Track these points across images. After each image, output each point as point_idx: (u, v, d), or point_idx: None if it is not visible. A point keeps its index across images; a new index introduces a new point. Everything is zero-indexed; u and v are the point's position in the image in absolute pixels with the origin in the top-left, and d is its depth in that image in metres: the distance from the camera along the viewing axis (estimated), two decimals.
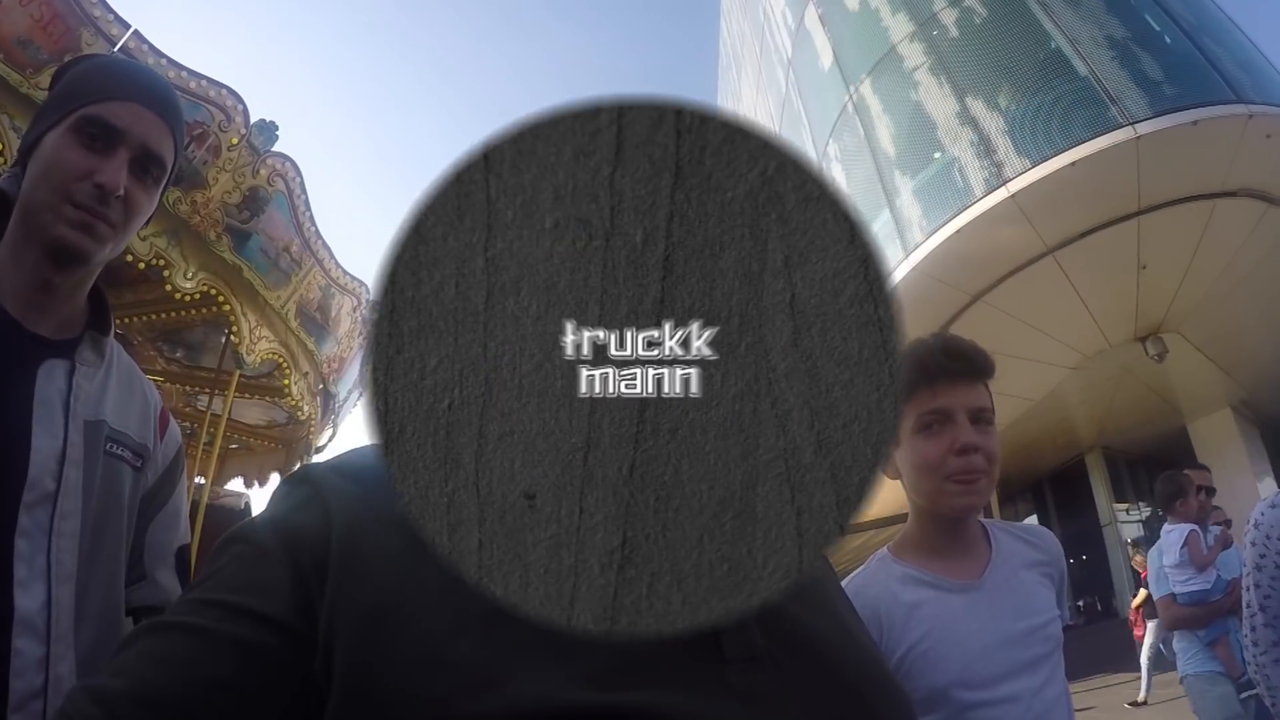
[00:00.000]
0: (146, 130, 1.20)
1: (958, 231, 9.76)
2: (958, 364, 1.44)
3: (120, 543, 1.22)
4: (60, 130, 1.15)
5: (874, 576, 1.48)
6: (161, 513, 1.35)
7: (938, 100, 11.08)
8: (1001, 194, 9.31)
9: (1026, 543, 1.55)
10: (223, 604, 0.52)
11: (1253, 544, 1.89)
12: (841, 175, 13.49)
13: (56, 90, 1.21)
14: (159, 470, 1.34)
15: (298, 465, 8.08)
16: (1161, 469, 16.56)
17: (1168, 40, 10.09)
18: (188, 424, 7.88)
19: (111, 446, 1.21)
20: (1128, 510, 15.47)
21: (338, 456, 0.64)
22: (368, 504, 0.56)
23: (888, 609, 1.40)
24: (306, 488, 0.59)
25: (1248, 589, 1.90)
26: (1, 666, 1.01)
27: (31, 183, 1.14)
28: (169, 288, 5.17)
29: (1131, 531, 15.26)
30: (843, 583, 1.35)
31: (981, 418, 1.43)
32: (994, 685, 1.32)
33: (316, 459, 8.51)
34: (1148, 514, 16.77)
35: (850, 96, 12.92)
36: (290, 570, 0.53)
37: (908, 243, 10.62)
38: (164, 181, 1.28)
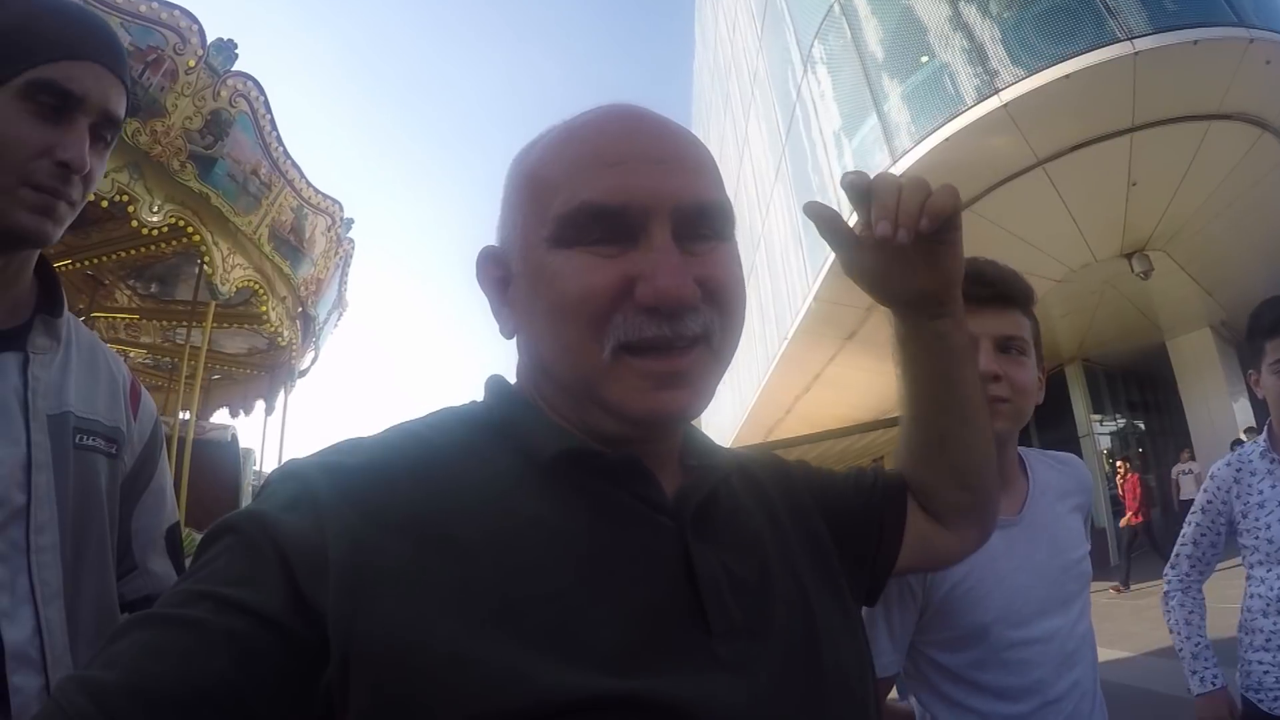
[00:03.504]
0: (106, 93, 1.05)
1: (947, 139, 9.49)
2: (984, 289, 1.38)
3: (105, 542, 1.14)
4: (7, 96, 0.98)
5: None
6: (146, 495, 1.26)
7: (929, 3, 10.65)
8: (993, 103, 9.03)
9: (1060, 472, 1.56)
10: (216, 596, 0.52)
11: (1204, 490, 2.25)
12: (827, 79, 13.11)
13: None
14: (136, 451, 1.24)
15: (280, 394, 8.03)
16: (1139, 383, 16.87)
17: None
18: (168, 359, 7.78)
19: (81, 438, 1.10)
20: (1101, 421, 15.77)
21: (326, 452, 0.62)
22: (364, 508, 0.56)
23: None
24: (294, 484, 0.58)
25: (1189, 524, 2.25)
26: (1, 707, 0.94)
27: None
28: (135, 223, 5.00)
29: (1105, 443, 15.63)
30: None
31: (1011, 346, 1.40)
32: (1031, 623, 1.34)
33: (300, 384, 8.50)
34: (1122, 424, 17.19)
35: None
36: (281, 568, 0.52)
37: (895, 149, 10.38)
38: (114, 140, 1.12)
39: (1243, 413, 13.44)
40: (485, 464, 0.63)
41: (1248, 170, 9.64)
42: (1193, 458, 13.26)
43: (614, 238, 0.62)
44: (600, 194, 0.62)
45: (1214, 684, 2.10)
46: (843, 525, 0.84)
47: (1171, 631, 2.22)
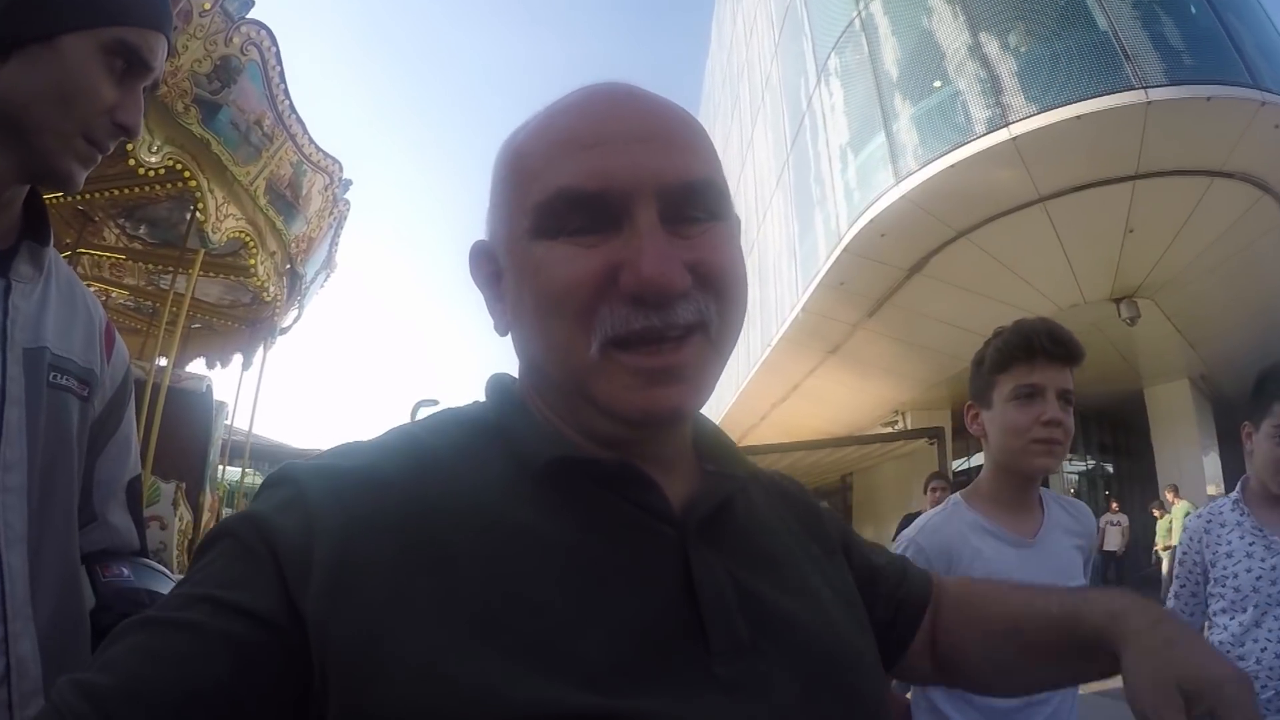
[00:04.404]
0: (161, 63, 1.07)
1: (952, 166, 9.58)
2: (1058, 348, 1.65)
3: (72, 489, 1.08)
4: (89, 46, 0.98)
5: (949, 519, 1.73)
6: (110, 444, 1.20)
7: (950, 30, 10.68)
8: (1003, 135, 9.11)
9: (1070, 514, 1.81)
10: (213, 599, 0.51)
11: (1180, 544, 2.34)
12: (840, 92, 13.14)
13: None
14: (106, 397, 1.18)
15: (259, 350, 7.95)
16: (1113, 426, 17.04)
17: (1193, 10, 9.78)
18: (149, 303, 7.66)
19: (55, 376, 1.04)
20: (1071, 460, 15.95)
21: (323, 456, 0.61)
22: (354, 510, 0.54)
23: (958, 548, 1.65)
24: (288, 488, 0.57)
25: (1174, 579, 2.34)
26: None
27: (38, 95, 0.95)
28: (132, 162, 4.90)
29: (1073, 481, 15.83)
30: (922, 519, 1.80)
31: (1066, 397, 1.64)
32: None
33: (281, 341, 8.41)
34: (1092, 466, 17.42)
35: (859, 12, 12.44)
36: (274, 569, 0.52)
37: (900, 170, 10.43)
38: None
39: (1212, 466, 13.65)
40: (478, 469, 0.61)
41: (1244, 230, 9.77)
42: (1120, 510, 13.76)
43: (596, 225, 0.59)
44: (577, 178, 0.59)
45: None
46: (861, 588, 0.79)
47: None
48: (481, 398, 0.73)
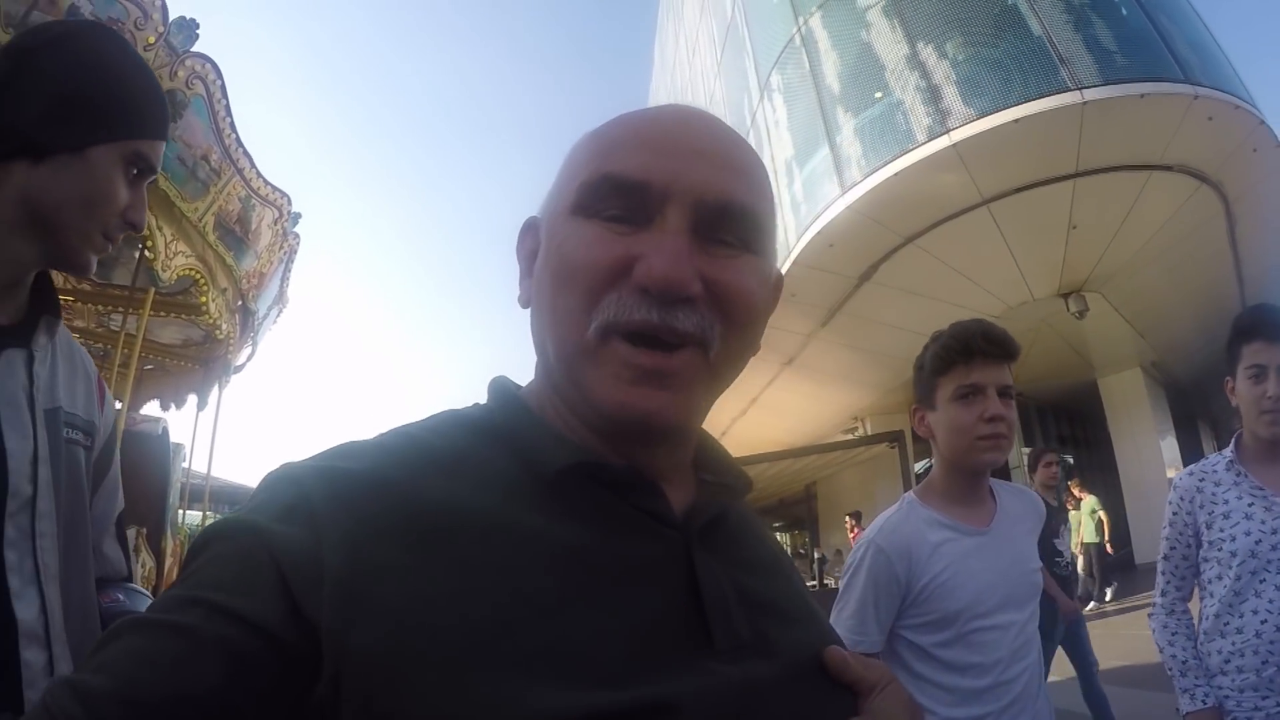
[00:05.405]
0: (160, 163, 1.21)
1: (896, 174, 9.82)
2: (994, 347, 1.73)
3: (87, 529, 1.22)
4: (113, 157, 1.12)
5: (906, 517, 1.80)
6: (104, 483, 1.33)
7: (888, 42, 10.96)
8: (943, 141, 9.36)
9: (1019, 500, 1.92)
10: (208, 603, 0.50)
11: (1169, 502, 2.25)
12: (783, 107, 13.35)
13: (94, 93, 1.11)
14: (101, 443, 1.31)
15: (214, 389, 7.78)
16: (1070, 418, 17.27)
17: (1124, 12, 10.13)
18: (101, 345, 7.48)
19: (68, 432, 1.18)
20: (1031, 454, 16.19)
21: (323, 457, 0.60)
22: (361, 514, 0.53)
23: (917, 545, 1.72)
24: (291, 491, 0.55)
25: (1162, 540, 2.27)
26: (13, 679, 1.01)
27: (67, 198, 1.09)
28: None
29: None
30: (880, 520, 1.85)
31: (1006, 393, 1.73)
32: (993, 614, 1.66)
33: (235, 380, 8.25)
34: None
35: (799, 28, 12.68)
36: (276, 578, 0.50)
37: (845, 180, 10.65)
38: None
39: (1170, 450, 14.04)
40: (480, 470, 0.60)
41: (1184, 219, 10.13)
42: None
43: (630, 216, 0.61)
44: (626, 167, 0.61)
45: (1204, 701, 2.01)
46: None
47: (1160, 653, 2.18)
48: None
